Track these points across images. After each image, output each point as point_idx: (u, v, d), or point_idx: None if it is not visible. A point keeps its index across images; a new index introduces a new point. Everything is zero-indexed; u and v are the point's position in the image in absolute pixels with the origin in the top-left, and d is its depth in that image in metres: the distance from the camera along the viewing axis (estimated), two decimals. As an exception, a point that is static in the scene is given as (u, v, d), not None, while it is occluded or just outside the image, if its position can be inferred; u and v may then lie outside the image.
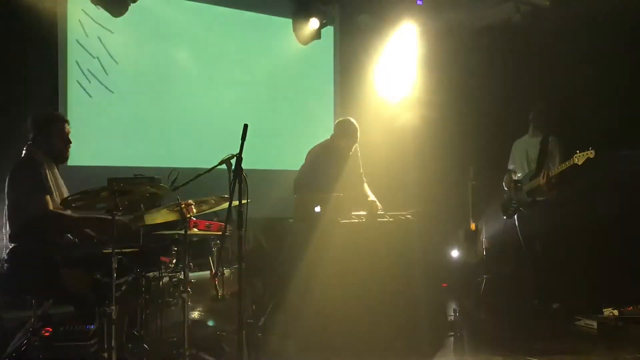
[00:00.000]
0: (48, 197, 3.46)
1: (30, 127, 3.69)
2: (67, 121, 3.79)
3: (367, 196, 5.03)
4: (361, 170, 5.20)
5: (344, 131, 4.92)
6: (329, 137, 5.07)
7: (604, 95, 6.51)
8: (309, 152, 5.08)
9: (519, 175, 5.55)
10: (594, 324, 4.70)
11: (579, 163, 4.92)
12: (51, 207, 3.45)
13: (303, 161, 5.23)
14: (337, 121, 5.19)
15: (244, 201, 3.07)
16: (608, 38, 6.44)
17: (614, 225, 6.25)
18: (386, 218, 4.61)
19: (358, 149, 5.11)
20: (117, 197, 3.14)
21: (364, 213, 4.65)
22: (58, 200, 3.50)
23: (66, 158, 3.79)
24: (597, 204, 6.30)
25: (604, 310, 4.94)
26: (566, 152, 5.26)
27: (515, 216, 5.53)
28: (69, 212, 3.51)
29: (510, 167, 5.76)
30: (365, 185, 5.19)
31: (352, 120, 4.97)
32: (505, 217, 5.63)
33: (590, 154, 4.84)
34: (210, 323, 3.77)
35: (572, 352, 4.10)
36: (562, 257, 5.37)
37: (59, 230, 3.61)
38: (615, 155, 6.13)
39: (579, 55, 6.64)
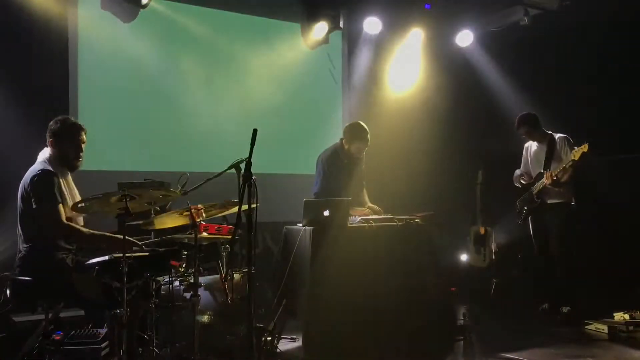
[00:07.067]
0: (60, 206, 3.48)
1: (49, 133, 3.65)
2: (85, 130, 3.74)
3: (365, 203, 5.09)
4: (364, 176, 5.20)
5: (356, 135, 4.93)
6: (337, 140, 5.07)
7: (614, 98, 6.48)
8: (320, 160, 5.04)
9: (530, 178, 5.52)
10: (605, 328, 4.66)
11: (576, 159, 4.96)
12: (64, 217, 3.46)
13: (312, 165, 5.23)
14: (347, 125, 5.19)
15: (253, 205, 3.08)
16: (615, 41, 6.41)
17: (626, 229, 6.20)
18: (395, 222, 4.61)
19: (364, 155, 5.11)
20: (127, 202, 3.17)
21: (374, 216, 4.65)
22: (70, 206, 3.52)
23: (77, 167, 3.78)
24: (609, 208, 6.26)
25: (614, 314, 4.90)
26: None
27: (530, 219, 5.50)
28: (81, 227, 3.54)
29: (520, 170, 5.70)
30: (365, 192, 5.22)
31: (363, 124, 4.98)
32: (519, 222, 5.60)
33: (584, 147, 4.90)
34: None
35: (583, 356, 4.07)
36: (574, 261, 5.33)
37: (69, 241, 3.63)
38: (631, 159, 6.10)
39: (587, 58, 6.62)
